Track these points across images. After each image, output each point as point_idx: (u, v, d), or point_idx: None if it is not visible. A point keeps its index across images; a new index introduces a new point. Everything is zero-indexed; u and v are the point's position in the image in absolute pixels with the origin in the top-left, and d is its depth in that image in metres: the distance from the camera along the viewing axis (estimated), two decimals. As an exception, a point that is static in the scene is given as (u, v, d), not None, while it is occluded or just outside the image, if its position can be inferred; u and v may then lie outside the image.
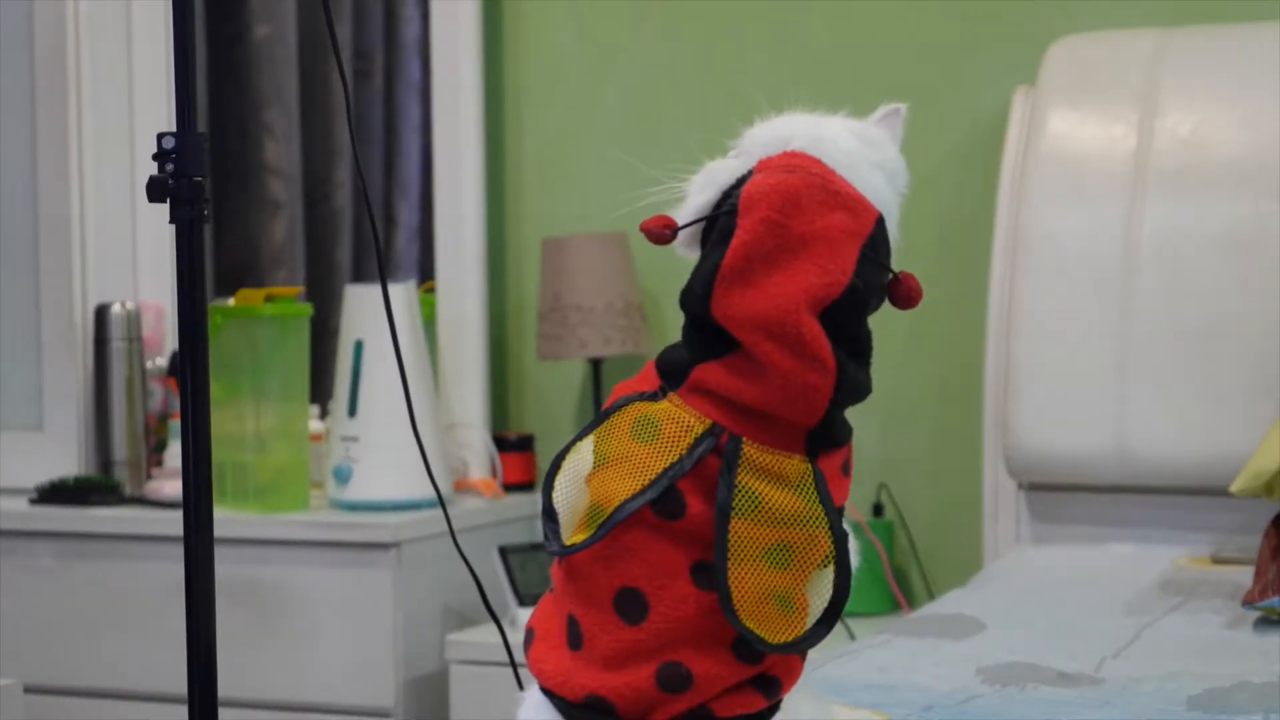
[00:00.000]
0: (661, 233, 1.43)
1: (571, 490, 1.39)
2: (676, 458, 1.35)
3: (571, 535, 1.38)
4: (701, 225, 1.42)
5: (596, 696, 1.34)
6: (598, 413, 1.42)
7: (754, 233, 1.35)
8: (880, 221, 1.40)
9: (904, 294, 1.42)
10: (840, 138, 1.43)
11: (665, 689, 1.33)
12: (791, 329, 1.33)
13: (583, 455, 1.40)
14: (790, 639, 1.34)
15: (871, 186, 1.41)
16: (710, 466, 1.35)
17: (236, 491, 3.19)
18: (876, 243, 1.40)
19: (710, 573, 1.34)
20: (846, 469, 1.41)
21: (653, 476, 1.35)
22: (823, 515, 1.35)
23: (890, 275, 1.42)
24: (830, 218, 1.36)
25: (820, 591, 1.35)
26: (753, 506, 1.34)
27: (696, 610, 1.34)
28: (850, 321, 1.37)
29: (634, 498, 1.35)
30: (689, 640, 1.34)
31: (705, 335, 1.38)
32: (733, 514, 1.33)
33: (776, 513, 1.34)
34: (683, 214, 1.44)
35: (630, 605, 1.35)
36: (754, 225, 1.36)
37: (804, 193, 1.36)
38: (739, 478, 1.34)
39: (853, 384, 1.37)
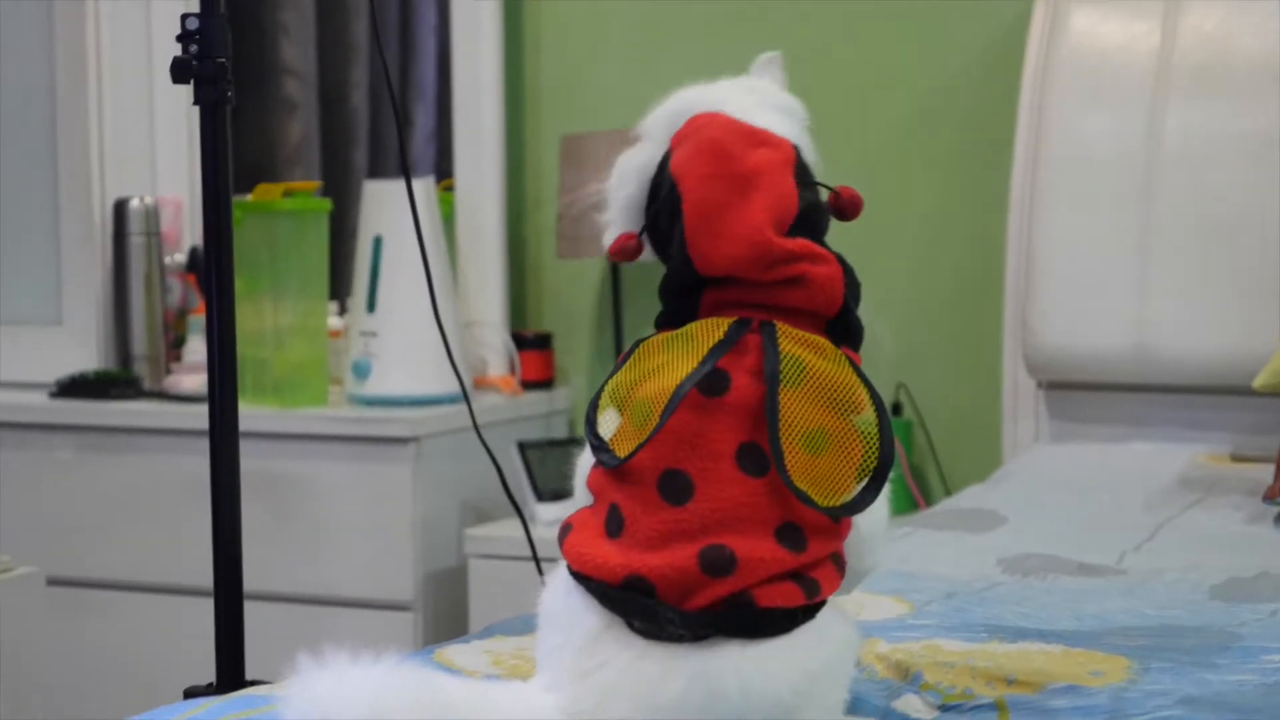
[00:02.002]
0: (626, 247, 1.46)
1: (616, 419, 1.40)
2: (717, 341, 1.37)
3: (623, 447, 1.38)
4: (649, 229, 1.45)
5: (637, 576, 1.33)
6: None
7: (698, 191, 1.38)
8: (797, 150, 1.44)
9: (847, 205, 1.45)
10: (731, 95, 1.48)
11: (708, 571, 1.32)
12: (776, 250, 1.37)
13: (619, 387, 1.41)
14: (839, 502, 1.34)
15: (772, 126, 1.46)
16: (750, 343, 1.36)
17: (255, 387, 3.19)
18: (803, 169, 1.44)
19: (756, 456, 1.34)
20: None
21: (697, 362, 1.36)
22: (859, 383, 1.36)
23: (829, 192, 1.44)
24: (757, 154, 1.40)
25: (862, 470, 1.37)
26: (800, 373, 1.35)
27: (742, 493, 1.34)
28: (810, 239, 1.41)
29: (685, 380, 1.35)
30: (734, 523, 1.33)
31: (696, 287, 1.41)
32: (781, 381, 1.34)
33: (821, 381, 1.35)
34: (610, 213, 1.48)
35: (675, 486, 1.34)
36: (696, 184, 1.39)
37: (726, 140, 1.40)
38: (783, 346, 1.36)
39: (851, 274, 1.42)
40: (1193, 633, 1.75)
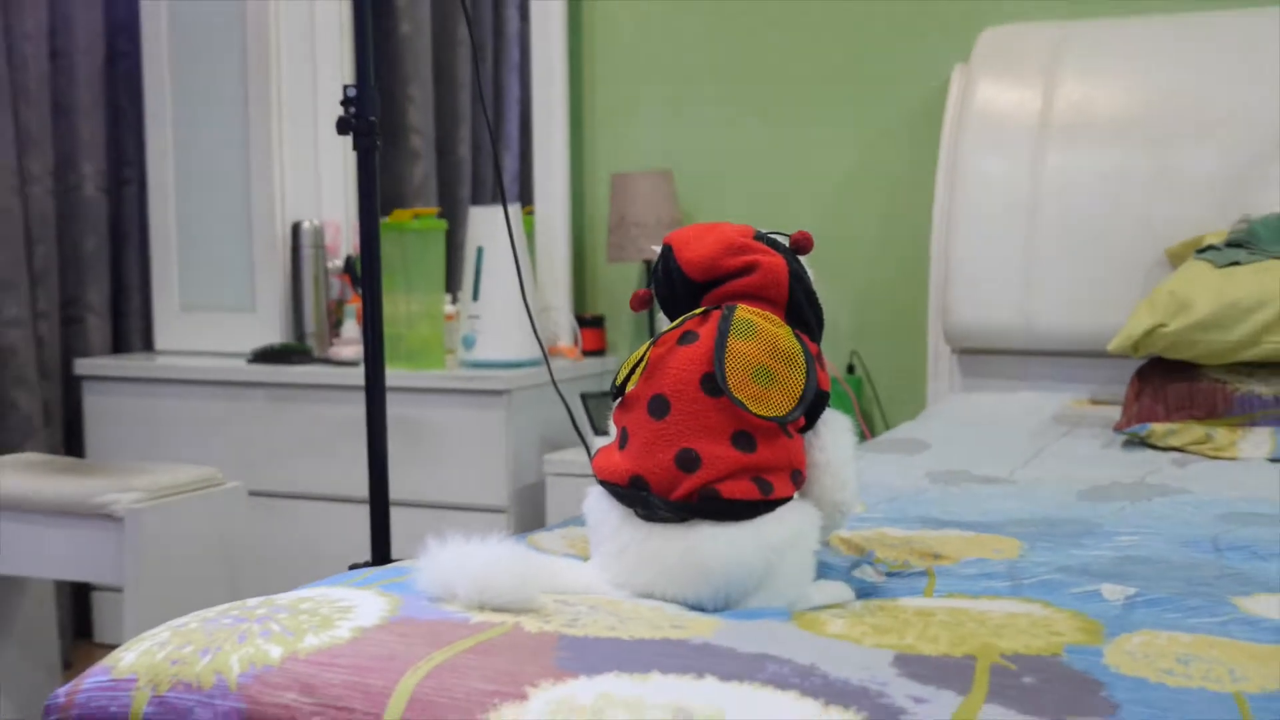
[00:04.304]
0: (641, 298, 1.45)
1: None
2: (694, 316, 1.38)
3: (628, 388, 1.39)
4: (656, 287, 1.45)
5: (637, 476, 1.33)
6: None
7: (680, 233, 1.40)
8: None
9: (802, 242, 1.43)
10: None
11: (681, 468, 1.31)
12: (739, 242, 1.37)
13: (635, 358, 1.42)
14: (771, 414, 1.32)
15: None
16: (716, 315, 1.37)
17: (393, 355, 3.21)
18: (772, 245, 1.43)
19: (714, 382, 1.33)
20: (821, 361, 1.40)
21: (676, 324, 1.38)
22: (800, 350, 1.35)
23: (787, 239, 1.43)
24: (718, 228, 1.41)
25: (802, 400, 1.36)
26: (748, 329, 1.34)
27: (704, 409, 1.33)
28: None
29: (665, 332, 1.37)
30: (699, 431, 1.32)
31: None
32: (732, 333, 1.34)
33: (767, 337, 1.34)
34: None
35: (658, 407, 1.34)
36: (678, 232, 1.41)
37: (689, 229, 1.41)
38: (737, 313, 1.35)
39: (798, 270, 1.39)
40: (1066, 523, 1.76)
